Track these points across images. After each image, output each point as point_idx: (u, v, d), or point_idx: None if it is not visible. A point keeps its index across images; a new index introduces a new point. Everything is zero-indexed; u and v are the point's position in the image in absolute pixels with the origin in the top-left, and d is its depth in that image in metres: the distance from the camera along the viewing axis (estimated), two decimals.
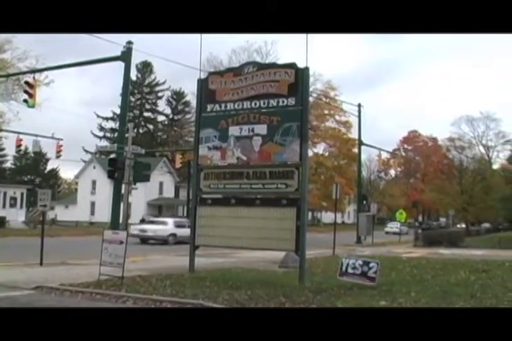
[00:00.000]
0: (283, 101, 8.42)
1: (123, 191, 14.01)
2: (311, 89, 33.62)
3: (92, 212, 46.97)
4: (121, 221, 14.20)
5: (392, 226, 39.24)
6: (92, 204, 47.59)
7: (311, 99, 34.49)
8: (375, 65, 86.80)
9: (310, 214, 53.92)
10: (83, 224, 40.04)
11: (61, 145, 22.67)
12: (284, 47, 75.08)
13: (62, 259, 11.68)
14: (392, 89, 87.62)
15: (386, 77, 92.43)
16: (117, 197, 13.59)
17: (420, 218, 66.88)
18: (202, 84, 9.32)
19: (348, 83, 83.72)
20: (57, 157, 23.37)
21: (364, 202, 26.94)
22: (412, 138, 65.47)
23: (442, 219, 60.50)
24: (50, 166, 60.52)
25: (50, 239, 14.57)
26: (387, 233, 29.04)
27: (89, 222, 42.77)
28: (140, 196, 41.10)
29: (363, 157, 46.36)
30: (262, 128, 8.54)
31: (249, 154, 8.66)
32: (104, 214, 32.95)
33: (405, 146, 66.02)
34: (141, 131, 61.25)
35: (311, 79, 29.88)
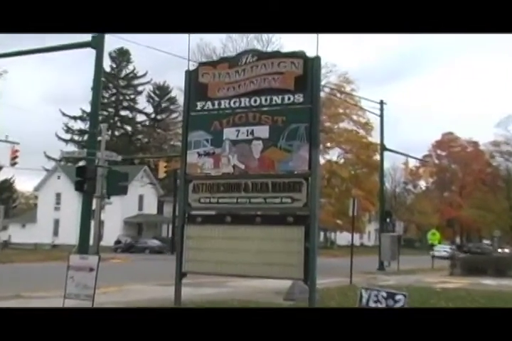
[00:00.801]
0: (289, 98, 8.50)
1: (94, 206, 14.05)
2: (322, 82, 33.91)
3: (56, 232, 46.96)
4: (91, 243, 14.18)
5: (440, 250, 38.87)
6: (56, 222, 47.60)
7: (322, 94, 34.68)
8: (397, 56, 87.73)
9: (322, 234, 53.87)
10: (44, 247, 39.92)
11: (17, 151, 22.62)
12: (290, 34, 75.68)
13: (16, 291, 11.58)
14: (419, 85, 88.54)
15: (411, 69, 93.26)
16: (87, 214, 13.59)
17: (458, 240, 66.62)
18: (190, 76, 9.41)
19: (365, 77, 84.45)
20: (12, 165, 23.36)
21: (388, 219, 26.99)
22: (446, 142, 65.33)
23: (486, 242, 60.28)
24: (2, 176, 60.56)
25: (1, 267, 14.46)
26: (433, 257, 28.93)
27: (52, 244, 42.73)
28: (115, 212, 41.13)
29: (387, 165, 46.75)
30: (263, 131, 8.60)
31: (247, 162, 8.71)
32: (70, 235, 32.85)
33: (438, 152, 66.04)
34: (116, 133, 61.58)
35: (323, 71, 30.15)
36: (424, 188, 68.65)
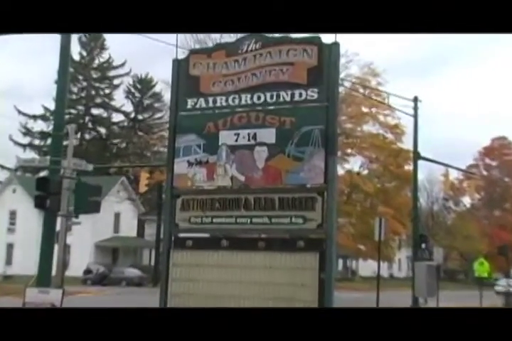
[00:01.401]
0: (300, 94, 8.57)
1: (58, 227, 14.06)
2: (342, 75, 34.06)
3: (9, 260, 46.92)
4: (54, 273, 14.16)
5: (504, 284, 38.36)
6: (9, 247, 47.60)
7: (341, 90, 34.85)
8: (434, 42, 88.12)
9: (340, 262, 53.67)
10: None
11: None
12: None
13: None
14: (462, 79, 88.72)
15: (454, 59, 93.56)
16: (49, 237, 13.63)
17: None
18: (179, 67, 9.50)
19: (395, 69, 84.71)
20: None
21: (423, 245, 26.87)
22: (498, 148, 65.20)
23: None
24: None
25: None
26: (498, 293, 28.71)
27: (3, 274, 42.61)
28: (85, 235, 41.15)
29: (421, 177, 46.53)
30: (268, 135, 8.66)
31: (249, 172, 8.76)
32: (27, 263, 32.85)
33: (487, 161, 65.90)
34: (87, 136, 61.94)
35: (342, 61, 30.33)
36: (468, 206, 68.46)
